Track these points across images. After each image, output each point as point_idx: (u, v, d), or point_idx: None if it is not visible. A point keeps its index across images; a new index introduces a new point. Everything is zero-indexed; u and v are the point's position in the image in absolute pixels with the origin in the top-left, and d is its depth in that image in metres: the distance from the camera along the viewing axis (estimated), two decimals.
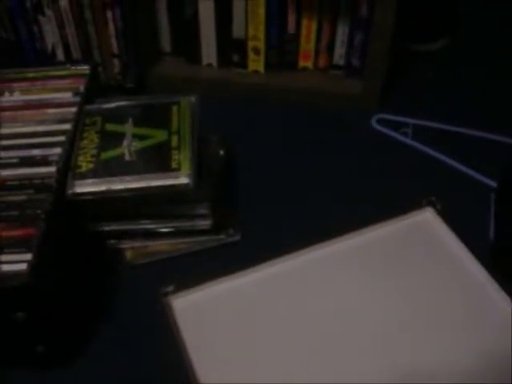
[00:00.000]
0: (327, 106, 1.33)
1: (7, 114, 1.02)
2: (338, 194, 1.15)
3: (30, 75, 1.10)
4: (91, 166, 0.95)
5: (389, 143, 1.26)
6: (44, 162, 0.93)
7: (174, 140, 0.99)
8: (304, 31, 1.35)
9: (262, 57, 1.39)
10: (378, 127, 1.30)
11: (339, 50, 1.37)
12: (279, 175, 1.19)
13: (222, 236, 1.04)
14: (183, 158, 0.96)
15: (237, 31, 1.35)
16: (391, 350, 0.85)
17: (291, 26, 1.34)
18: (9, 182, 0.90)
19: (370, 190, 1.15)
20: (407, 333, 0.87)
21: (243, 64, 1.40)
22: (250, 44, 1.36)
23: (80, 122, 1.01)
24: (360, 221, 1.02)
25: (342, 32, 1.33)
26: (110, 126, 1.03)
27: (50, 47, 1.36)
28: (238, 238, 1.05)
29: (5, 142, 0.97)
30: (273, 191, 1.16)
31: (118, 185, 0.93)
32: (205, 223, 1.02)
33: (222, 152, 1.13)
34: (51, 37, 1.34)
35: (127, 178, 0.94)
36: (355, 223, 1.02)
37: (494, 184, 1.11)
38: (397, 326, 0.88)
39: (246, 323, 0.90)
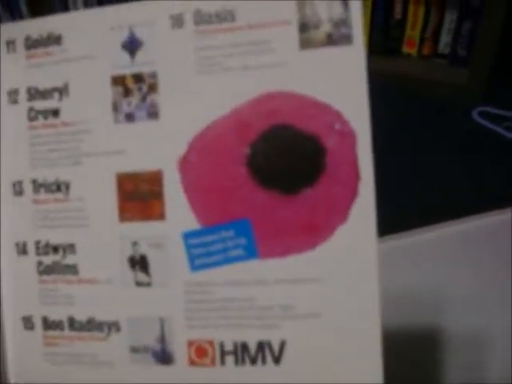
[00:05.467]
0: (428, 94, 1.29)
1: None
2: (429, 182, 1.09)
3: None
4: None
5: (489, 137, 1.23)
6: None
7: None
8: (410, 17, 1.34)
9: (365, 40, 1.35)
10: (480, 119, 1.27)
11: (445, 38, 1.36)
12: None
13: None
14: None
15: None
16: None
17: (397, 11, 1.34)
18: None
19: (465, 181, 1.10)
20: None
21: None
22: None
23: None
24: (453, 212, 0.89)
25: (449, 20, 1.33)
26: None
27: None
28: None
29: None
30: None
31: None
32: None
33: None
34: None
35: None
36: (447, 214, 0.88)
37: None
38: None
39: None
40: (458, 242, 0.79)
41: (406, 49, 1.43)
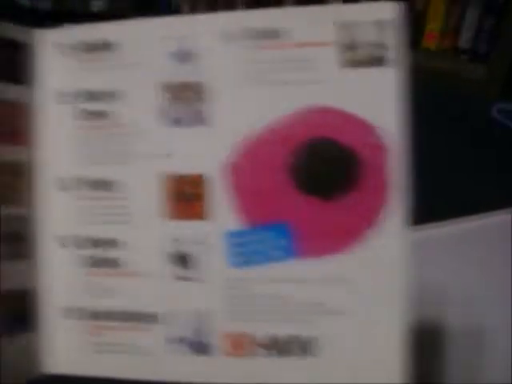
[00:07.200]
0: (447, 89, 1.25)
1: None
2: (447, 181, 1.07)
3: None
4: None
5: (508, 134, 1.22)
6: None
7: None
8: (432, 9, 1.31)
9: None
10: (498, 117, 1.25)
11: (466, 33, 1.33)
12: None
13: None
14: None
15: None
16: None
17: (419, 3, 1.30)
18: None
19: (481, 181, 1.08)
20: None
21: None
22: None
23: None
24: (466, 208, 0.88)
25: (471, 14, 1.30)
26: None
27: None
28: None
29: None
30: None
31: None
32: None
33: None
34: None
35: None
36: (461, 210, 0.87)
37: None
38: None
39: None
40: (458, 242, 0.81)
41: (425, 43, 1.40)
